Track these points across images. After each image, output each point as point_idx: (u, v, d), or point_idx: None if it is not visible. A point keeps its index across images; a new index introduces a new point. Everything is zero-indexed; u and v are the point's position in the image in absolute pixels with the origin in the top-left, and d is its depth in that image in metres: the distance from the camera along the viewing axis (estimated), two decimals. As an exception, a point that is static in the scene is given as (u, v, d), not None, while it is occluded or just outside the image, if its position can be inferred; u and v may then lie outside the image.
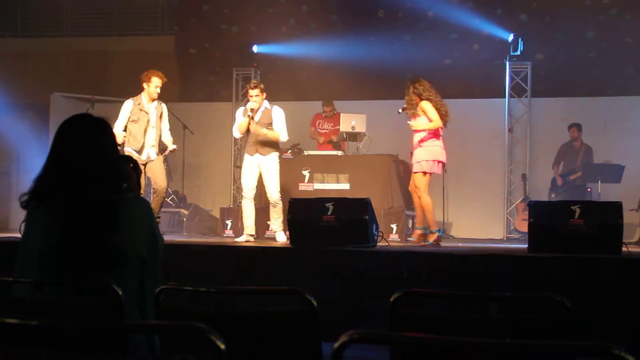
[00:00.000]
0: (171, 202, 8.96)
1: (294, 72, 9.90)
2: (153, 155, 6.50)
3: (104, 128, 2.27)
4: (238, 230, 7.52)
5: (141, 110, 6.43)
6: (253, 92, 6.39)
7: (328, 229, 5.13)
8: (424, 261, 4.45)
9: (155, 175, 6.50)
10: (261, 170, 6.42)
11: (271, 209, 6.53)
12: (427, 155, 5.72)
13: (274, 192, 6.41)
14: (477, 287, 4.03)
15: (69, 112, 3.02)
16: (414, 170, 5.82)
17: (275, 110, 6.43)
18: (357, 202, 5.37)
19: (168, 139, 6.61)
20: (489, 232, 8.86)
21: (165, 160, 8.93)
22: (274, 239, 6.54)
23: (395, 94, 7.84)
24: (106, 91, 9.36)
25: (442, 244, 5.98)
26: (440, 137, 5.79)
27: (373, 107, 8.88)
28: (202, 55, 10.26)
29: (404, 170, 7.52)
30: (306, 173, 7.64)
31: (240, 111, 6.60)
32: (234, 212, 7.79)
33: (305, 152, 7.90)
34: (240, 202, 8.23)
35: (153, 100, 6.48)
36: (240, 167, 9.27)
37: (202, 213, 9.14)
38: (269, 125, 6.41)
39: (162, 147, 6.59)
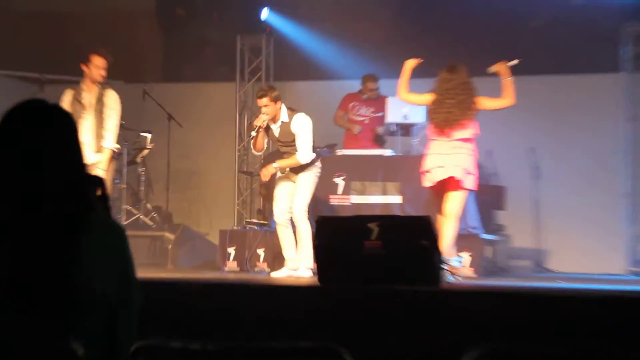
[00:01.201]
0: (150, 223, 9.02)
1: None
2: (90, 157, 6.56)
3: (63, 119, 2.27)
4: (243, 262, 7.53)
5: (76, 99, 6.54)
6: (261, 103, 6.64)
7: (371, 260, 5.10)
8: (516, 305, 4.39)
9: None
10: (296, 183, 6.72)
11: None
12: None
13: (297, 205, 6.57)
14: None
15: (10, 97, 3.03)
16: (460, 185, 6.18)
17: (296, 122, 6.64)
18: (413, 221, 5.34)
19: (108, 138, 6.72)
20: (604, 264, 8.75)
21: (143, 163, 9.07)
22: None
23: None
24: (60, 68, 9.48)
25: (541, 281, 5.99)
26: None
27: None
28: (194, 18, 10.34)
29: (480, 177, 7.46)
30: (339, 181, 7.64)
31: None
32: (239, 237, 7.81)
33: (339, 152, 7.89)
34: (247, 224, 8.24)
35: (95, 85, 6.67)
36: (248, 175, 9.39)
37: (194, 238, 9.19)
38: (292, 143, 6.64)
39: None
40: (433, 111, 6.20)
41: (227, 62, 9.91)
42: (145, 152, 8.95)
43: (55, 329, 2.06)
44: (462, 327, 4.41)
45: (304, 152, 6.58)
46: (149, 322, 2.47)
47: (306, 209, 6.59)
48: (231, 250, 7.75)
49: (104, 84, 6.78)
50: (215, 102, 10.00)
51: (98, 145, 6.67)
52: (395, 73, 6.50)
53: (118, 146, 6.87)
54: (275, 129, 6.69)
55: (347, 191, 7.62)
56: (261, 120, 6.59)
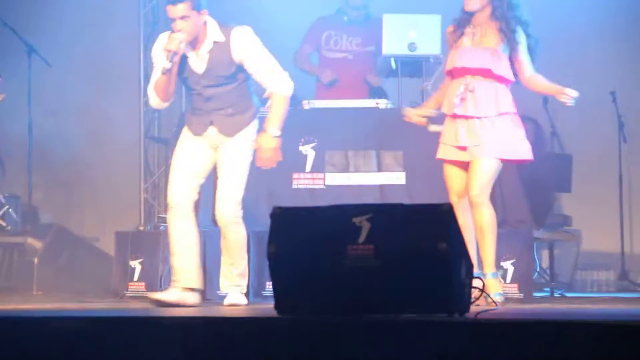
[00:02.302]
0: (4, 223, 9.00)
1: None
2: None
3: None
4: (156, 282, 7.56)
5: None
6: (174, 12, 6.45)
7: (360, 274, 5.13)
8: (587, 342, 4.46)
9: None
10: (217, 160, 6.72)
11: (221, 238, 6.76)
12: (512, 128, 6.71)
13: (228, 202, 6.63)
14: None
15: None
16: (485, 153, 6.50)
17: (240, 38, 6.57)
18: (425, 212, 5.37)
19: None
20: None
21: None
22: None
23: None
24: None
25: (629, 304, 6.31)
26: None
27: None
28: None
29: (534, 144, 7.49)
30: (308, 151, 7.67)
31: (159, 48, 6.73)
32: (148, 243, 7.89)
33: (307, 104, 7.92)
34: (160, 222, 8.25)
35: None
36: (161, 144, 9.28)
37: (76, 245, 9.20)
38: (228, 80, 6.59)
39: None
40: None
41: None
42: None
43: None
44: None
45: (279, 75, 6.64)
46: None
47: (241, 206, 6.68)
48: (135, 265, 7.77)
49: None
50: (105, 23, 9.97)
51: None
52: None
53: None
54: (198, 59, 6.61)
55: (319, 167, 7.65)
56: (176, 43, 6.43)
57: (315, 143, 7.66)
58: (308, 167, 7.68)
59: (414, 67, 8.12)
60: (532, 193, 7.91)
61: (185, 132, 6.79)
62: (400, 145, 7.56)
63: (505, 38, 6.48)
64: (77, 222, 9.78)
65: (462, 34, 6.57)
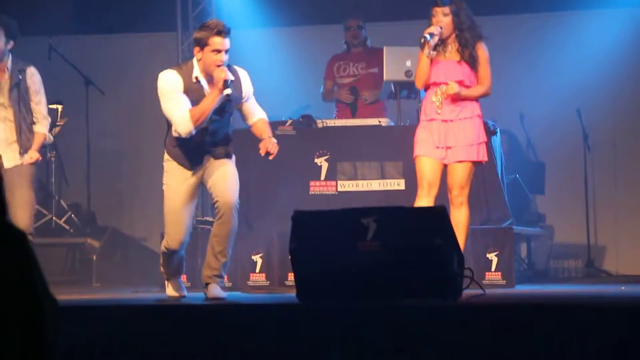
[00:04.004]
0: (67, 226, 8.99)
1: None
2: (10, 160, 6.66)
3: None
4: (195, 275, 7.54)
5: None
6: (223, 44, 5.99)
7: (368, 266, 5.12)
8: (562, 322, 4.43)
9: (11, 203, 6.51)
10: (205, 174, 6.26)
11: (217, 225, 6.24)
12: (478, 131, 6.40)
13: (232, 191, 6.17)
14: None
15: None
16: (459, 158, 6.33)
17: (245, 76, 6.26)
18: (423, 213, 5.35)
19: (42, 124, 6.82)
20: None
21: (53, 145, 9.03)
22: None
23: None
24: None
25: (596, 284, 6.02)
26: None
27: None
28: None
29: (511, 152, 7.49)
30: (322, 162, 7.64)
31: (175, 81, 6.12)
32: (190, 243, 7.79)
33: (321, 123, 7.90)
34: (200, 224, 8.24)
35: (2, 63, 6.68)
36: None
37: (127, 246, 9.21)
38: (231, 111, 6.28)
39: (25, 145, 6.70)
40: None
41: (163, 4, 9.87)
42: (56, 130, 8.91)
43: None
44: (489, 352, 4.43)
45: (259, 111, 6.34)
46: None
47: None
48: (178, 261, 7.73)
49: (18, 61, 6.77)
50: (148, 59, 9.95)
51: (21, 143, 6.67)
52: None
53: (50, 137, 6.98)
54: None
55: (332, 175, 7.62)
56: (226, 73, 5.95)
57: (328, 156, 7.63)
58: (322, 176, 7.64)
59: (410, 90, 8.08)
60: (512, 194, 7.90)
61: (176, 169, 6.22)
62: (399, 156, 7.53)
63: (466, 54, 6.36)
64: (128, 224, 9.77)
65: (436, 50, 6.44)
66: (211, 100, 5.95)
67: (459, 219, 6.25)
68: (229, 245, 6.12)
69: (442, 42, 6.42)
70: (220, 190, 6.11)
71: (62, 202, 9.16)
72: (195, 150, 6.18)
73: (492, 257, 7.04)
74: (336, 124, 7.98)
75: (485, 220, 7.35)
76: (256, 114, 6.31)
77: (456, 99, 6.29)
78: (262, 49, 9.61)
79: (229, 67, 6.08)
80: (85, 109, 9.19)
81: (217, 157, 6.19)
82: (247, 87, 6.25)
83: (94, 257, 8.88)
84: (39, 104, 6.82)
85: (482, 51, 6.42)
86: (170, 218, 6.23)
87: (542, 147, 9.51)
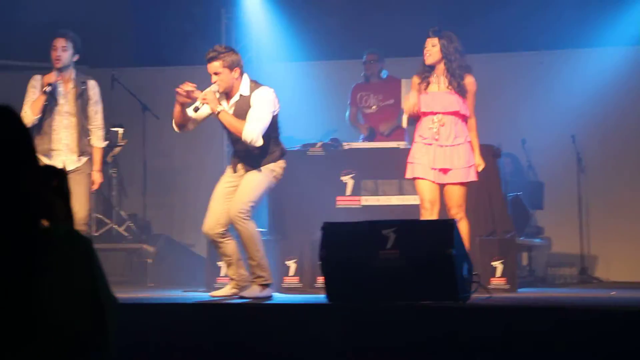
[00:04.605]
0: (125, 233, 9.01)
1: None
2: (71, 164, 6.63)
3: (7, 121, 2.24)
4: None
5: (47, 91, 6.57)
6: (211, 68, 5.93)
7: (388, 272, 5.11)
8: (559, 323, 4.39)
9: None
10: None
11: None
12: (469, 154, 6.28)
13: (235, 204, 5.91)
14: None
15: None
16: (455, 180, 6.24)
17: (258, 94, 5.97)
18: (435, 226, 5.33)
19: (97, 136, 6.82)
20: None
21: (114, 163, 9.07)
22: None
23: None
24: (9, 52, 9.48)
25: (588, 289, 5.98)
26: None
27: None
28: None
29: (514, 173, 7.46)
30: (348, 180, 7.62)
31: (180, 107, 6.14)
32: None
33: (346, 145, 7.89)
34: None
35: (60, 71, 6.64)
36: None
37: (178, 251, 9.21)
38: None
39: (109, 142, 6.68)
40: None
41: (210, 40, 9.88)
42: (117, 150, 8.95)
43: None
44: (495, 349, 4.41)
45: (253, 126, 5.82)
46: (129, 351, 2.47)
47: (248, 207, 5.90)
48: (222, 264, 7.72)
49: (80, 73, 6.80)
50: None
51: (81, 148, 6.69)
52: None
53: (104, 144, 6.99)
54: (228, 108, 6.01)
55: (357, 191, 7.60)
56: (214, 90, 5.88)
57: (353, 174, 7.60)
58: (348, 192, 7.61)
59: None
60: (514, 210, 7.86)
61: (227, 168, 6.20)
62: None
63: (454, 84, 6.26)
64: (179, 232, 9.77)
65: (429, 82, 6.36)
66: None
67: (460, 231, 6.20)
68: (254, 249, 5.92)
69: (432, 73, 6.33)
70: (230, 203, 5.97)
71: (121, 212, 9.18)
72: (232, 155, 6.17)
73: (497, 264, 7.00)
74: (360, 146, 7.97)
75: (491, 232, 7.31)
76: (247, 120, 5.94)
77: (451, 126, 6.23)
78: (295, 80, 9.61)
79: (256, 85, 6.01)
80: (142, 132, 9.22)
81: (247, 169, 6.03)
82: (252, 100, 5.94)
83: (149, 261, 8.89)
84: (97, 114, 6.81)
85: (471, 83, 6.28)
86: (209, 204, 6.12)
87: (541, 168, 9.45)
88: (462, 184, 6.21)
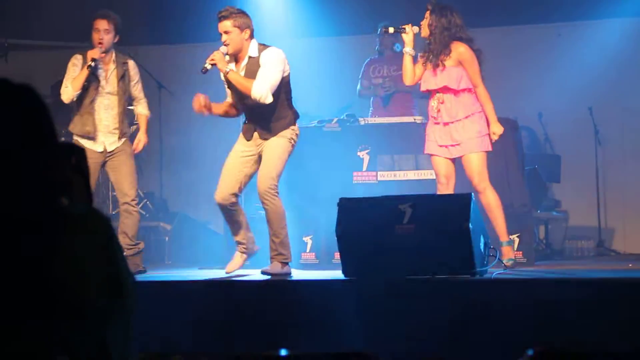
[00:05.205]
0: (143, 212, 9.04)
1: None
2: (112, 144, 6.67)
3: (28, 99, 2.25)
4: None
5: (88, 69, 6.52)
6: (221, 27, 5.92)
7: (404, 247, 5.12)
8: (576, 295, 4.40)
9: (117, 177, 6.60)
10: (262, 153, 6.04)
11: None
12: (480, 124, 6.23)
13: (263, 179, 5.87)
14: None
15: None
16: (465, 152, 6.21)
17: (267, 53, 5.92)
18: (452, 200, 5.34)
19: (143, 106, 6.95)
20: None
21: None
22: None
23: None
24: (31, 32, 9.49)
25: (605, 266, 6.06)
26: None
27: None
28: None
29: (531, 146, 7.44)
30: (364, 155, 7.62)
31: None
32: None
33: (363, 121, 7.88)
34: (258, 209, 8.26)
35: (103, 52, 6.60)
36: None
37: (194, 229, 9.22)
38: None
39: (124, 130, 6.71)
40: None
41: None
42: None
43: (36, 341, 2.08)
44: (512, 322, 4.42)
45: (262, 83, 5.77)
46: (148, 329, 2.49)
47: (276, 182, 5.90)
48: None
49: (119, 54, 6.78)
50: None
51: (122, 129, 6.69)
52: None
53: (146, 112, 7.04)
54: (239, 71, 5.96)
55: (373, 167, 7.60)
56: (218, 57, 5.85)
57: (369, 149, 7.60)
58: (364, 167, 7.62)
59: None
60: (531, 183, 7.84)
61: (240, 136, 6.14)
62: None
63: (438, 57, 6.22)
64: (195, 210, 9.78)
65: (428, 59, 6.32)
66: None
67: (488, 202, 6.17)
68: (278, 226, 5.90)
69: (429, 48, 6.30)
70: (257, 178, 5.96)
71: (138, 190, 9.21)
72: (246, 124, 6.13)
73: (515, 238, 7.00)
74: (376, 122, 7.96)
75: (508, 206, 7.30)
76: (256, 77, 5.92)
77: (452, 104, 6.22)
78: (309, 56, 9.58)
79: (265, 46, 5.98)
80: (158, 110, 9.22)
81: (262, 136, 5.99)
82: (262, 60, 5.91)
83: (166, 239, 8.94)
84: (140, 91, 6.89)
85: (462, 53, 6.20)
86: (222, 172, 6.13)
87: (558, 141, 9.42)
88: (475, 153, 6.19)
